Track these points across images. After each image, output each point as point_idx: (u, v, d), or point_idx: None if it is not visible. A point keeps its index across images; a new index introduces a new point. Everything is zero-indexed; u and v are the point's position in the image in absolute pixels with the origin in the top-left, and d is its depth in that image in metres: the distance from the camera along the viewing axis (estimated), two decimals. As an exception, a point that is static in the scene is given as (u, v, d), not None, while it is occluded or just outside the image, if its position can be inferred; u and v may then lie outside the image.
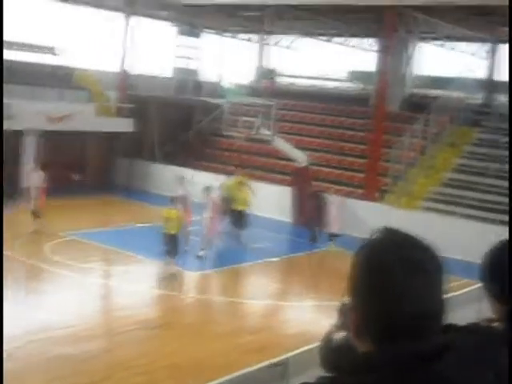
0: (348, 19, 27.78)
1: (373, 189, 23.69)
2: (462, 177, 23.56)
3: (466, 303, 7.24)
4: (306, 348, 6.26)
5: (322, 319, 14.08)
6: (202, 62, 33.60)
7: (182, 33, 32.41)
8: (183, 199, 17.72)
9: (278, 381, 5.62)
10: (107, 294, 15.76)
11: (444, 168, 24.51)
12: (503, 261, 2.03)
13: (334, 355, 1.83)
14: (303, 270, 19.05)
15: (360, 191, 24.01)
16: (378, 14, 24.14)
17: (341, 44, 34.23)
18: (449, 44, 31.74)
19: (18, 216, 19.35)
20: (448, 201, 22.46)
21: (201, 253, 17.51)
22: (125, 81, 28.90)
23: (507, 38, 23.34)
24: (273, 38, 35.39)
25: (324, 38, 34.00)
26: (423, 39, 30.14)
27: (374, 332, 1.57)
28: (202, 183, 19.42)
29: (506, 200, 20.50)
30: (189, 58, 32.86)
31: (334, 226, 20.26)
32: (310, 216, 21.67)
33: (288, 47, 35.40)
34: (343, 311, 2.26)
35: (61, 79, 26.51)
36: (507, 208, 19.92)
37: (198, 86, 33.13)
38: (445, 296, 1.60)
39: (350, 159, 26.31)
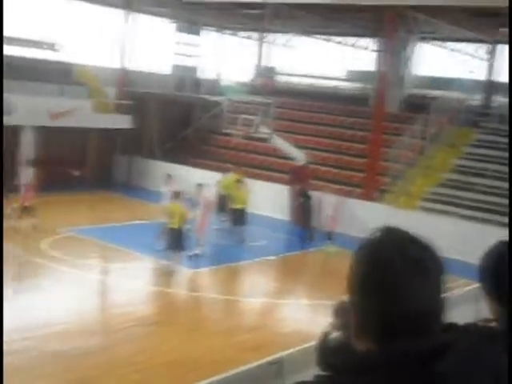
0: (347, 18, 27.77)
1: (372, 188, 23.69)
2: (461, 177, 23.57)
3: (464, 303, 7.25)
4: (302, 347, 6.26)
5: (318, 318, 14.10)
6: (201, 60, 33.58)
7: (182, 30, 32.38)
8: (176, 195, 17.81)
9: (274, 379, 5.63)
10: (105, 291, 15.76)
11: (443, 168, 24.52)
12: (501, 262, 2.03)
13: (331, 354, 1.83)
14: (300, 269, 19.08)
15: (359, 191, 24.01)
16: (378, 13, 24.13)
17: (340, 43, 34.20)
18: (449, 44, 31.73)
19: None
20: (446, 201, 22.47)
21: (195, 251, 17.47)
22: (124, 77, 28.88)
23: (507, 39, 23.34)
24: (272, 36, 35.39)
25: (323, 36, 33.98)
26: (423, 39, 30.15)
27: (374, 330, 1.57)
28: (197, 180, 19.44)
29: (505, 201, 20.52)
30: (188, 55, 32.83)
31: (330, 226, 20.28)
32: (296, 214, 21.64)
33: (287, 45, 35.39)
34: (340, 310, 2.26)
35: (60, 75, 26.48)
36: (506, 210, 19.94)
37: (197, 84, 33.11)
38: (444, 295, 1.60)
39: (349, 158, 26.31)
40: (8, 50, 26.30)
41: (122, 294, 14.98)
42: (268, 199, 23.35)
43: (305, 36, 33.56)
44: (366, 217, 20.41)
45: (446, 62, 32.07)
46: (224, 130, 26.16)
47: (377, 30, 27.56)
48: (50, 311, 12.71)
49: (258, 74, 34.79)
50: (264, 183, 24.37)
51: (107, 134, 27.99)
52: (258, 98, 26.38)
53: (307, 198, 21.66)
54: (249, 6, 27.47)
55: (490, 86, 29.39)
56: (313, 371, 1.75)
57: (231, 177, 22.09)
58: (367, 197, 23.39)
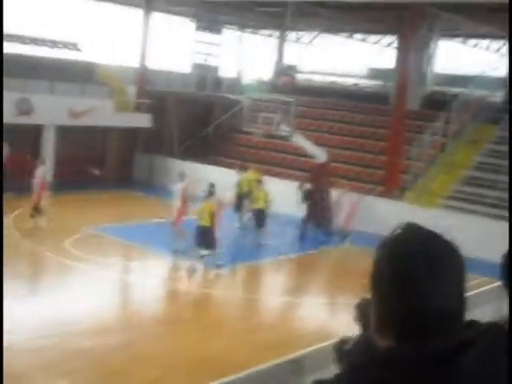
0: (369, 16, 27.64)
1: (393, 186, 23.57)
2: (483, 175, 23.38)
3: (486, 302, 7.19)
4: (321, 345, 6.24)
5: (337, 316, 14.06)
6: (221, 58, 33.62)
7: (202, 28, 32.44)
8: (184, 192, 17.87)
9: (293, 377, 5.61)
10: (126, 289, 15.85)
11: (464, 166, 24.34)
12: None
13: (352, 352, 1.81)
14: (319, 267, 19.03)
15: (380, 188, 23.91)
16: (400, 11, 24.00)
17: (361, 41, 34.08)
18: (470, 41, 31.48)
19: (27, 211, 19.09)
20: (468, 199, 22.30)
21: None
22: (144, 76, 28.98)
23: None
24: (293, 34, 35.33)
25: (344, 34, 33.87)
26: (444, 36, 29.93)
27: (395, 328, 1.56)
28: (218, 179, 19.42)
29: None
30: (208, 53, 32.89)
31: (345, 224, 20.15)
32: (307, 212, 21.42)
33: (308, 43, 35.32)
34: (362, 307, 2.24)
35: (82, 74, 26.65)
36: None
37: (218, 82, 33.16)
38: (466, 293, 1.58)
39: (370, 156, 26.21)
40: (31, 50, 26.57)
41: (143, 292, 15.06)
42: (288, 198, 23.29)
43: (326, 34, 33.47)
44: (386, 214, 20.30)
45: (468, 58, 31.83)
46: (244, 129, 26.16)
47: (398, 28, 27.40)
48: (72, 309, 12.80)
49: (279, 72, 34.75)
50: (283, 181, 24.32)
51: (128, 133, 28.13)
52: (279, 96, 26.34)
53: (319, 195, 21.43)
54: (269, 3, 27.45)
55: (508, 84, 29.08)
56: (332, 369, 1.74)
57: (250, 175, 22.05)
58: (388, 194, 23.27)
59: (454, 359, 1.49)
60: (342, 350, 2.10)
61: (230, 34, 34.78)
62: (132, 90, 28.74)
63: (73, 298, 13.67)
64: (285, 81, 32.87)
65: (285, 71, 34.53)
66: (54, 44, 27.77)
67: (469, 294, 1.60)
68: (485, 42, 31.52)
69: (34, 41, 26.71)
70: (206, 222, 16.08)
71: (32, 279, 15.59)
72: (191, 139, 30.05)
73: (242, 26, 35.23)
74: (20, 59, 24.74)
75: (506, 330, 1.73)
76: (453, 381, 1.49)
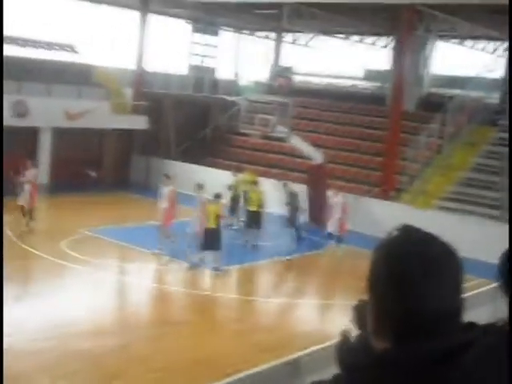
0: (365, 17, 27.68)
1: (389, 188, 23.60)
2: (479, 176, 23.41)
3: (482, 303, 7.19)
4: (319, 346, 6.24)
5: (334, 318, 14.07)
6: (218, 60, 33.64)
7: (199, 30, 32.46)
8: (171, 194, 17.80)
9: (291, 379, 5.62)
10: (123, 290, 15.84)
11: (460, 167, 24.37)
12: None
13: (349, 353, 1.82)
14: (316, 269, 19.02)
15: (376, 190, 23.93)
16: (396, 12, 24.03)
17: (358, 42, 34.12)
18: (467, 43, 31.53)
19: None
20: (464, 200, 22.33)
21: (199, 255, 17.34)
22: (141, 78, 28.98)
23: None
24: (290, 36, 35.35)
25: (341, 36, 33.90)
26: (441, 38, 29.98)
27: (392, 329, 1.56)
28: (216, 180, 19.43)
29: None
30: (205, 55, 32.91)
31: (341, 226, 19.94)
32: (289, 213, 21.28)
33: (305, 45, 35.35)
34: (359, 309, 2.25)
35: (78, 76, 26.63)
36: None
37: (215, 84, 33.17)
38: (463, 294, 1.59)
39: (366, 157, 26.23)
40: (27, 52, 26.54)
41: (140, 294, 15.06)
42: (285, 199, 23.26)
43: (322, 35, 33.50)
44: (382, 216, 20.33)
45: (464, 60, 31.89)
46: (241, 130, 26.17)
47: (395, 29, 27.45)
48: (70, 311, 12.80)
49: (276, 73, 34.77)
50: (280, 183, 24.28)
51: (124, 135, 28.12)
52: (276, 98, 26.35)
53: (293, 196, 21.28)
54: (266, 5, 27.47)
55: (508, 84, 29.14)
56: (331, 371, 1.74)
57: (246, 177, 22.05)
58: (384, 196, 23.30)
59: (453, 360, 1.50)
60: (342, 351, 2.10)
61: (226, 36, 34.81)
62: (129, 92, 28.72)
63: (70, 299, 13.67)
64: (281, 82, 32.87)
65: (281, 73, 34.55)
66: (50, 46, 27.75)
67: (465, 295, 1.61)
68: (481, 44, 31.57)
69: (31, 43, 26.68)
70: (212, 224, 16.28)
71: (29, 281, 15.58)
72: (188, 141, 30.05)
73: (239, 28, 35.26)
74: (16, 61, 24.72)
75: (506, 331, 1.74)
76: (451, 381, 1.50)
